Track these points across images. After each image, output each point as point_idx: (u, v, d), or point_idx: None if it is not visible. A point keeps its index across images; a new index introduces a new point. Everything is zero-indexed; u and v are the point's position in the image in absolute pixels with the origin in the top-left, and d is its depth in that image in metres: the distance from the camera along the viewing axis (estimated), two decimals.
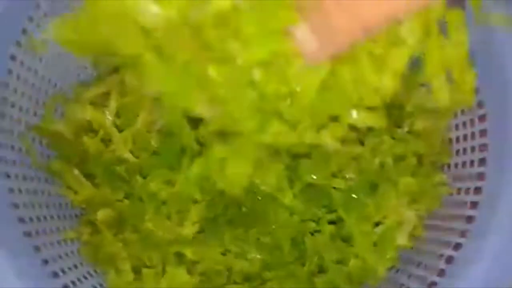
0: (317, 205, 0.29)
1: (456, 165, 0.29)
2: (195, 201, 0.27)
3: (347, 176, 0.29)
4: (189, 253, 0.27)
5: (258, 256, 0.28)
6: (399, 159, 0.29)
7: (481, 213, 0.26)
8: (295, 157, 0.29)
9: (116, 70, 0.30)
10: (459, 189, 0.28)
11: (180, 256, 0.27)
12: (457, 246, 0.26)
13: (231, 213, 0.28)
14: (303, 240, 0.28)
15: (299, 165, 0.28)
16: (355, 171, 0.29)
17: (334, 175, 0.29)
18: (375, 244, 0.28)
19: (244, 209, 0.28)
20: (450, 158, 0.29)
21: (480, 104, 0.28)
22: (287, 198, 0.27)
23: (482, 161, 0.27)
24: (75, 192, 0.28)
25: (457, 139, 0.29)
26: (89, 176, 0.28)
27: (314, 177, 0.28)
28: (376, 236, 0.28)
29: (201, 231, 0.28)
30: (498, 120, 0.26)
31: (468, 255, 0.25)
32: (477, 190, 0.27)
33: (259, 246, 0.28)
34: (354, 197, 0.28)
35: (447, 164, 0.29)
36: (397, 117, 0.30)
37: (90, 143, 0.28)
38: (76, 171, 0.28)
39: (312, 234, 0.28)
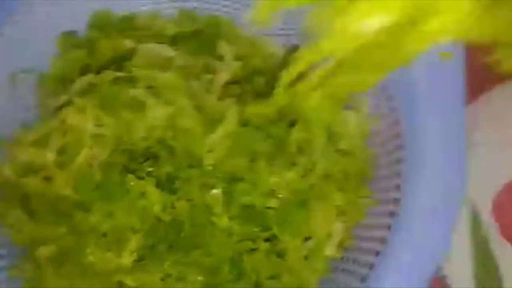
0: (254, 224, 0.30)
1: (378, 179, 0.32)
2: (135, 231, 0.29)
3: (280, 195, 0.31)
4: (129, 281, 0.28)
5: (199, 278, 0.30)
6: (327, 176, 0.31)
7: (398, 222, 0.28)
8: (231, 181, 0.31)
9: (58, 109, 0.32)
10: (381, 201, 0.31)
11: (121, 285, 0.28)
12: (378, 253, 0.28)
13: (171, 239, 0.29)
14: (241, 259, 0.30)
15: (234, 188, 0.31)
16: (287, 191, 0.31)
17: (268, 195, 0.31)
18: (306, 258, 0.30)
19: (183, 234, 0.29)
20: (373, 172, 0.32)
21: (397, 123, 0.31)
22: (223, 222, 0.29)
23: (398, 174, 0.30)
24: (18, 231, 0.29)
25: (380, 155, 0.32)
26: (32, 214, 0.29)
27: (249, 198, 0.30)
28: (307, 250, 0.30)
29: (141, 258, 0.29)
30: (411, 137, 0.29)
31: (387, 261, 0.27)
32: (396, 200, 0.29)
33: (199, 268, 0.29)
34: (286, 215, 0.30)
35: (371, 178, 0.32)
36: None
37: (32, 183, 0.29)
38: (18, 211, 0.29)
39: (249, 252, 0.30)
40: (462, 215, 0.44)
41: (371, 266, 0.28)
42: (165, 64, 0.32)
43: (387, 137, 0.31)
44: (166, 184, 0.30)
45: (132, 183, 0.28)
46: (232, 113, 0.31)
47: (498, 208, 0.44)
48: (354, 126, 0.32)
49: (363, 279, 0.27)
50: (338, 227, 0.30)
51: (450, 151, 0.27)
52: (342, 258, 0.31)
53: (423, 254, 0.26)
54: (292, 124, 0.32)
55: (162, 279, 0.29)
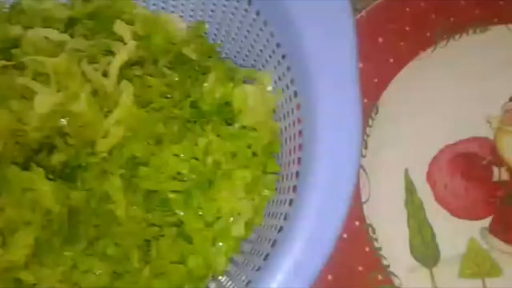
0: (159, 209, 0.29)
1: (283, 153, 0.31)
2: (27, 224, 0.28)
3: (185, 178, 0.30)
4: (25, 277, 0.27)
5: (107, 269, 0.28)
6: (232, 154, 0.30)
7: (298, 195, 0.27)
8: (133, 167, 0.30)
9: None
10: (287, 175, 0.30)
11: (18, 282, 0.27)
12: (281, 229, 0.27)
13: (69, 231, 0.28)
14: (149, 246, 0.29)
15: (137, 174, 0.29)
16: (192, 173, 0.30)
17: (173, 179, 0.30)
18: (214, 239, 0.29)
19: (82, 225, 0.28)
20: (280, 147, 0.31)
21: (295, 94, 0.30)
22: (123, 210, 0.28)
23: (300, 147, 0.29)
24: None
25: (285, 129, 0.31)
26: None
27: (153, 184, 0.29)
28: (214, 231, 0.29)
29: (38, 253, 0.28)
30: (307, 108, 0.28)
31: (287, 236, 0.26)
32: (297, 174, 0.28)
33: (106, 259, 0.28)
34: (190, 197, 0.29)
35: (278, 153, 0.31)
36: (227, 114, 0.31)
37: None
38: None
39: (156, 239, 0.29)
40: (396, 185, 0.44)
41: (274, 243, 0.27)
42: (56, 49, 0.30)
43: (289, 110, 0.30)
44: (63, 174, 0.29)
45: (17, 176, 0.27)
46: (127, 96, 0.29)
47: (432, 175, 0.44)
48: (257, 101, 0.30)
49: (266, 257, 0.27)
50: (246, 206, 0.29)
51: (343, 123, 0.26)
52: (253, 237, 0.30)
53: (321, 228, 0.25)
54: (194, 104, 0.31)
55: (66, 272, 0.28)
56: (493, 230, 0.42)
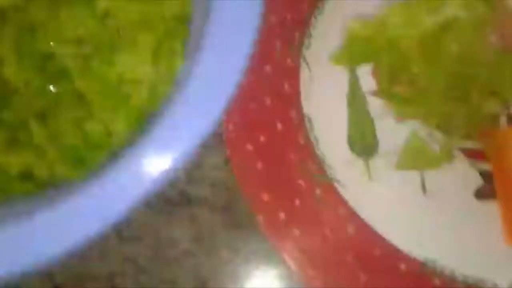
0: (57, 76, 0.28)
1: (197, 17, 0.28)
2: None
3: (84, 43, 0.28)
4: None
5: (3, 135, 0.27)
6: (137, 18, 0.28)
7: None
8: (28, 30, 0.28)
9: None
10: (198, 41, 0.28)
11: None
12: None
13: None
14: (47, 112, 0.27)
15: (33, 34, 0.27)
16: (90, 37, 0.28)
17: (70, 42, 0.27)
18: (113, 106, 0.27)
19: None
20: (191, 11, 0.29)
21: None
22: (10, 70, 0.26)
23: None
24: None
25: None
26: None
27: (49, 46, 0.27)
28: (113, 98, 0.27)
29: None
30: None
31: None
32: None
33: (2, 124, 0.27)
34: (89, 63, 0.27)
35: (190, 20, 0.29)
36: None
37: None
38: None
39: (55, 106, 0.28)
40: (339, 78, 0.42)
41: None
42: None
43: None
44: None
45: None
46: None
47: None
48: None
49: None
50: (149, 73, 0.27)
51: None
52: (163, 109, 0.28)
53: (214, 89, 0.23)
54: None
55: None
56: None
